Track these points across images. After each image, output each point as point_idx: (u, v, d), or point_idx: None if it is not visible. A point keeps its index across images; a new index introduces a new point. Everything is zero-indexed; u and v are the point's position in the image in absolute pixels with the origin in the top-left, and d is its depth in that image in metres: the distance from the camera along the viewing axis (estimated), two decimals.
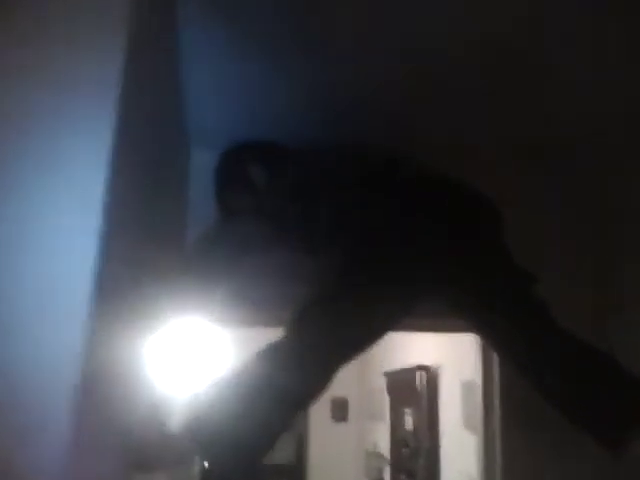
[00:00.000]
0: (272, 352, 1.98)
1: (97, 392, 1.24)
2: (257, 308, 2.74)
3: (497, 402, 2.99)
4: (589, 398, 2.05)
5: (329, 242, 2.19)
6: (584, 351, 2.11)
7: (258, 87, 2.45)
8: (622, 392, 2.04)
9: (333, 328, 2.01)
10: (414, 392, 4.89)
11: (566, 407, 2.11)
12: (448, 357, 4.46)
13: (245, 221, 2.32)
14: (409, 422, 5.16)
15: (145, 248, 1.77)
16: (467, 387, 3.91)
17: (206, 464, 1.90)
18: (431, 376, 4.75)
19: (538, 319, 2.19)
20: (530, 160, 2.86)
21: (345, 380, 6.36)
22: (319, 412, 6.91)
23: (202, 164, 2.65)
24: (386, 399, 5.75)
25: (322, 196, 2.19)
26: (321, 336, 2.00)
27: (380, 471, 5.80)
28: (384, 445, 5.77)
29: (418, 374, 4.82)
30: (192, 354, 3.52)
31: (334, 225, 2.16)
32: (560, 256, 2.81)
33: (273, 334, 2.05)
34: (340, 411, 7.00)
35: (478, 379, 3.16)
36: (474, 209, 2.20)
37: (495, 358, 2.99)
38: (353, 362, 6.20)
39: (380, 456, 5.80)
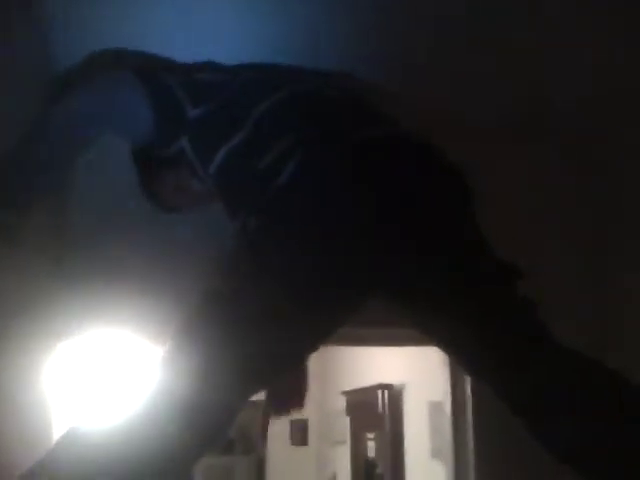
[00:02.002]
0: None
1: None
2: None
3: (469, 428, 2.49)
4: (596, 444, 1.51)
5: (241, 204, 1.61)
6: (588, 375, 1.57)
7: None
8: None
9: (247, 336, 1.43)
10: (376, 414, 4.36)
11: (562, 452, 1.56)
12: (413, 374, 3.94)
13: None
14: (372, 448, 4.63)
15: None
16: (435, 409, 3.40)
17: None
18: (394, 396, 4.22)
19: (521, 329, 1.62)
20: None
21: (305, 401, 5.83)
22: (277, 435, 6.37)
23: None
24: (347, 422, 5.21)
25: (227, 134, 1.57)
26: (223, 349, 1.42)
27: None
28: (345, 473, 5.22)
29: (380, 393, 4.29)
30: (113, 372, 3.05)
31: (248, 181, 1.57)
32: (550, 245, 2.27)
33: None
34: (300, 434, 6.44)
35: (447, 400, 2.66)
36: (442, 181, 1.64)
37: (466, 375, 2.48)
38: (314, 381, 5.51)
39: None
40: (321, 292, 1.47)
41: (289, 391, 1.79)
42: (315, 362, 5.58)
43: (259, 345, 1.42)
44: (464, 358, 1.76)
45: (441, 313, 1.65)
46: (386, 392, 4.28)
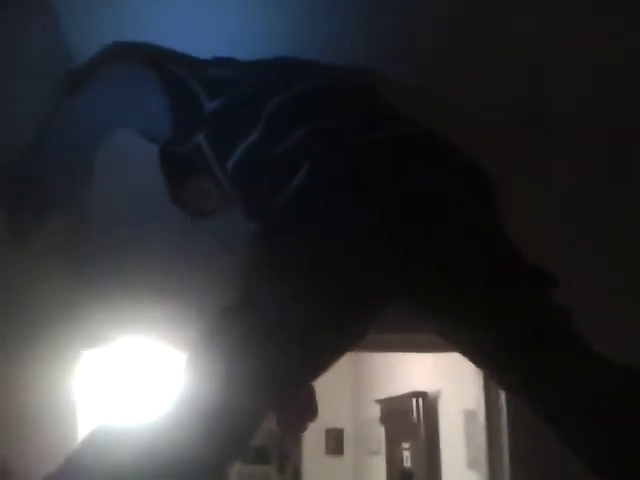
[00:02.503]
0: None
1: None
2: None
3: (504, 437, 2.39)
4: (630, 455, 1.42)
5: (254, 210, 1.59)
6: (624, 384, 1.47)
7: None
8: None
9: (267, 346, 1.36)
10: (411, 423, 4.26)
11: (594, 462, 1.48)
12: (449, 382, 3.84)
13: None
14: (407, 458, 4.53)
15: None
16: (470, 418, 3.29)
17: None
18: (429, 404, 4.12)
19: (559, 341, 1.51)
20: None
21: (340, 409, 5.77)
22: (313, 445, 6.31)
23: None
24: (382, 431, 5.12)
25: (242, 134, 1.53)
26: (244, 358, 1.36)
27: None
28: None
29: (414, 402, 4.20)
30: (139, 380, 3.05)
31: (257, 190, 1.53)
32: (549, 246, 2.17)
33: None
34: (335, 444, 6.36)
35: (480, 409, 2.57)
36: (460, 181, 1.56)
37: None
38: (348, 389, 5.35)
39: None
40: (341, 297, 1.41)
41: (300, 407, 1.74)
42: (350, 370, 5.52)
43: (280, 355, 1.35)
44: (490, 367, 1.68)
45: (464, 320, 1.57)
46: (420, 400, 4.19)
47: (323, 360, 1.42)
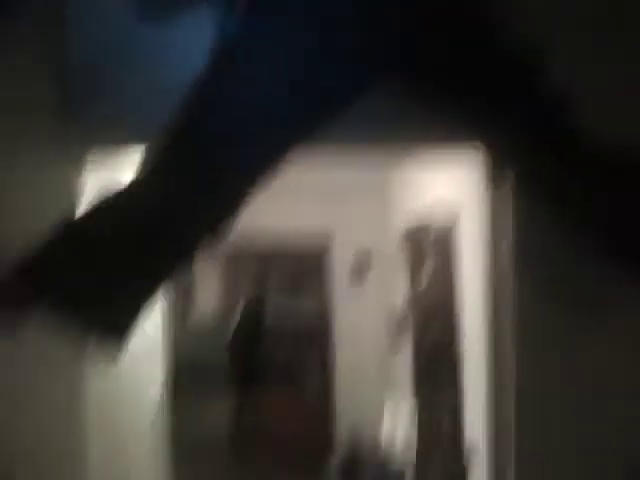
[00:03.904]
0: None
1: None
2: None
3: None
4: None
5: None
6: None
7: None
8: None
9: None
10: (429, 243, 4.21)
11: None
12: (463, 203, 3.68)
13: None
14: (425, 280, 4.51)
15: None
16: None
17: None
18: (445, 226, 4.01)
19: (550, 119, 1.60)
20: None
21: (367, 229, 5.62)
22: (338, 277, 6.34)
23: None
24: (405, 251, 5.08)
25: None
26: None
27: (401, 330, 5.19)
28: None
29: (430, 226, 4.12)
30: None
31: None
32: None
33: None
34: (361, 266, 6.30)
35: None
36: None
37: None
38: (375, 206, 5.17)
39: (400, 318, 5.22)
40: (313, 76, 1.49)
41: None
42: (379, 199, 5.20)
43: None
44: (500, 152, 1.77)
45: (472, 107, 1.60)
46: (435, 225, 4.10)
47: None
